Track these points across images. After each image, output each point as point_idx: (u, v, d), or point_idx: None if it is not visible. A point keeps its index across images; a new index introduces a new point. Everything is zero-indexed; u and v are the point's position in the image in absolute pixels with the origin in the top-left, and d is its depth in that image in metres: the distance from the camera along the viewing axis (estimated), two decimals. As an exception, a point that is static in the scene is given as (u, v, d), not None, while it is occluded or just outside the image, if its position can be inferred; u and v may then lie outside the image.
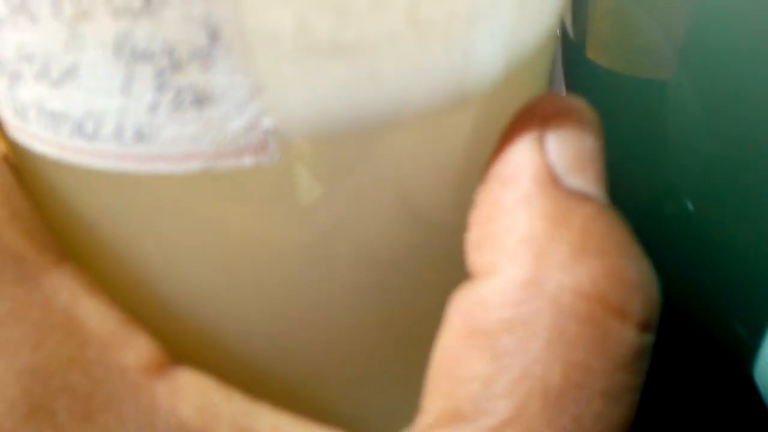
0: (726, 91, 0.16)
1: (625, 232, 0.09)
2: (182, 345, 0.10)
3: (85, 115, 0.09)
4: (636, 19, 0.18)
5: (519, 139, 0.09)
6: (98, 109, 0.08)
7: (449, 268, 0.10)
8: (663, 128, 0.18)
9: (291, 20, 0.08)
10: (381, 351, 0.12)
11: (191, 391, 0.09)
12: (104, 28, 0.08)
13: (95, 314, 0.09)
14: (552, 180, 0.09)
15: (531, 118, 0.10)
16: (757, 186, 0.16)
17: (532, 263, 0.09)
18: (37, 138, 0.09)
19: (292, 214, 0.10)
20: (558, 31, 0.22)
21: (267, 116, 0.08)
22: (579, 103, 0.10)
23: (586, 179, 0.09)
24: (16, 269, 0.09)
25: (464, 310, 0.09)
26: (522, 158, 0.09)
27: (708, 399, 0.23)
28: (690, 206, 0.18)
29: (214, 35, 0.08)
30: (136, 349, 0.09)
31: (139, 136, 0.09)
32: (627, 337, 0.09)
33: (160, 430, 0.08)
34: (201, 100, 0.08)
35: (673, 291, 0.21)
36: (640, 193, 0.21)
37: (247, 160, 0.09)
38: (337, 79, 0.08)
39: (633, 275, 0.09)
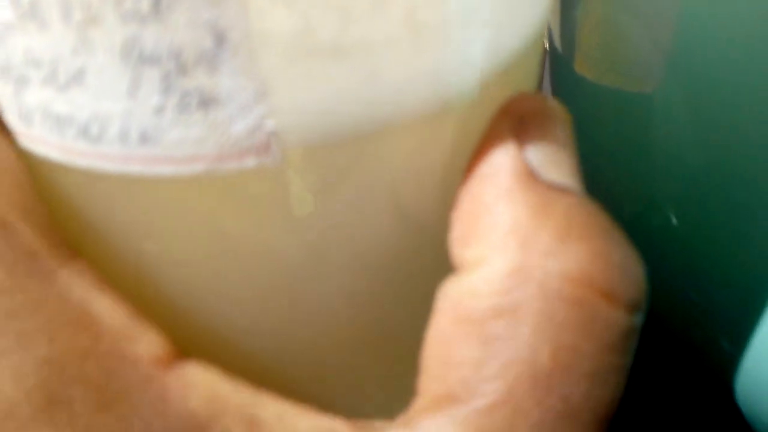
0: (711, 102, 0.16)
1: (607, 218, 0.10)
2: (182, 343, 0.10)
3: (91, 119, 0.09)
4: (624, 32, 0.19)
5: (497, 137, 0.10)
6: (104, 113, 0.09)
7: (441, 268, 0.11)
8: (648, 140, 0.19)
9: (295, 23, 0.08)
10: (377, 347, 0.12)
11: (200, 382, 0.09)
12: (113, 33, 0.08)
13: (107, 308, 0.09)
14: (530, 175, 0.10)
15: (507, 116, 0.10)
16: (743, 198, 0.16)
17: (518, 252, 0.09)
18: (42, 141, 0.09)
19: (290, 216, 0.10)
20: (546, 43, 0.23)
21: (270, 118, 0.09)
22: (552, 101, 0.10)
23: (562, 173, 0.10)
24: (30, 264, 0.09)
25: (454, 300, 0.09)
26: (500, 156, 0.10)
27: (690, 413, 0.24)
28: (674, 219, 0.19)
29: (220, 39, 0.08)
30: (146, 342, 0.09)
31: (144, 138, 0.09)
32: (615, 318, 0.09)
33: (171, 419, 0.09)
34: (206, 102, 0.08)
35: (658, 304, 0.21)
36: (626, 204, 0.21)
37: (250, 162, 0.09)
38: (338, 82, 0.09)
39: (618, 258, 0.09)
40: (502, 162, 0.10)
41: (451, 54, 0.09)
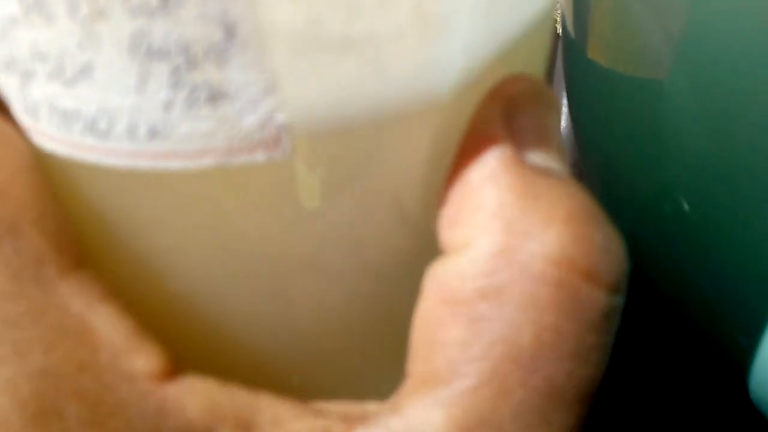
0: (719, 90, 0.16)
1: (590, 200, 0.10)
2: (187, 336, 0.10)
3: (99, 114, 0.09)
4: (634, 18, 0.18)
5: (486, 118, 0.10)
6: (112, 108, 0.09)
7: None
8: (659, 127, 0.19)
9: (304, 15, 0.08)
10: (379, 333, 0.12)
11: (197, 393, 0.09)
12: (120, 27, 0.08)
13: (108, 321, 0.09)
14: (517, 158, 0.10)
15: (498, 98, 0.10)
16: (750, 189, 0.16)
17: (503, 234, 0.09)
18: (48, 136, 0.09)
19: (299, 208, 0.10)
20: (559, 29, 0.22)
21: (280, 112, 0.09)
22: (539, 83, 0.11)
23: (548, 155, 0.10)
24: (36, 270, 0.09)
25: (441, 282, 0.10)
26: (489, 138, 0.10)
27: (705, 406, 0.24)
28: (686, 205, 0.19)
29: (230, 32, 0.08)
30: (145, 356, 0.09)
31: (153, 133, 0.09)
32: (596, 299, 0.09)
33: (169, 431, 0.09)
34: (216, 96, 0.08)
35: (671, 291, 0.21)
36: (640, 190, 0.21)
37: (260, 156, 0.09)
38: (347, 74, 0.09)
39: (600, 240, 0.09)
40: (490, 144, 0.10)
41: (458, 43, 0.09)
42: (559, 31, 0.23)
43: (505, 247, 0.09)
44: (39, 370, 0.08)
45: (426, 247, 0.11)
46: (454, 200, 0.10)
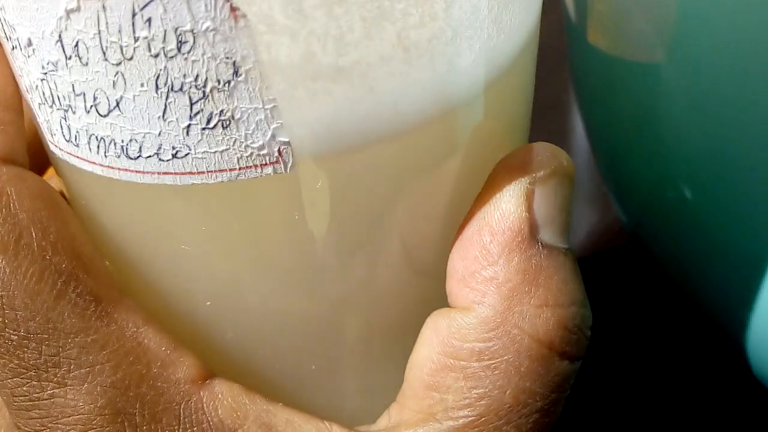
0: (709, 84, 0.17)
1: (578, 280, 0.13)
2: (195, 344, 0.12)
3: (130, 140, 0.11)
4: (628, 3, 0.19)
5: (506, 187, 0.12)
6: (140, 134, 0.11)
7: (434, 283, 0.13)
8: (657, 115, 0.20)
9: (299, 52, 0.10)
10: (384, 341, 0.14)
11: (225, 395, 0.12)
12: (145, 69, 0.10)
13: (153, 339, 0.12)
14: (531, 236, 0.12)
15: (517, 168, 0.13)
16: (742, 175, 0.18)
17: (503, 310, 0.12)
18: (87, 161, 0.11)
19: (303, 218, 0.12)
20: (565, 32, 0.24)
21: (282, 134, 0.10)
22: (560, 154, 0.13)
23: (557, 234, 0.13)
24: (95, 307, 0.12)
25: (443, 335, 0.13)
26: (508, 209, 0.12)
27: (707, 383, 0.25)
28: (688, 192, 0.20)
29: (236, 70, 0.10)
30: (185, 366, 0.12)
31: (176, 154, 0.11)
32: (564, 368, 0.12)
33: (206, 425, 0.12)
34: (227, 123, 0.10)
35: (678, 276, 0.22)
36: (644, 176, 0.22)
37: (267, 171, 0.11)
38: (340, 98, 0.10)
39: (577, 324, 0.13)
40: (508, 215, 0.12)
41: (441, 66, 0.11)
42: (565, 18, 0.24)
43: (503, 321, 0.12)
44: (110, 383, 0.12)
45: (425, 275, 0.13)
46: (470, 261, 0.12)
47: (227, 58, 0.10)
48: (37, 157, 0.14)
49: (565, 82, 0.30)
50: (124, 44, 0.10)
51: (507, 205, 0.12)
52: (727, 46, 0.17)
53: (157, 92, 0.10)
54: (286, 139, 0.10)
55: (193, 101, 0.10)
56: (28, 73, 0.11)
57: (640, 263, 0.28)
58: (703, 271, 0.21)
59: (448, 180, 0.13)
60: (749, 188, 0.18)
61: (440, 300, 0.13)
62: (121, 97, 0.10)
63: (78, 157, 0.11)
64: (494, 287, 0.12)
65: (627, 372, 0.26)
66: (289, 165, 0.11)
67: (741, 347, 0.20)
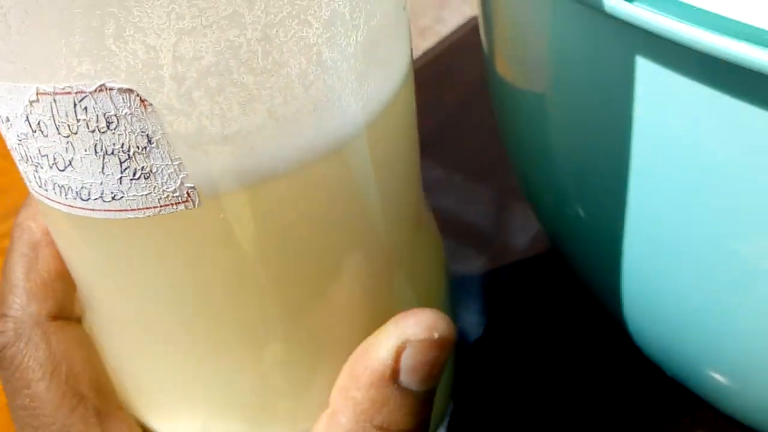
0: (582, 122, 0.21)
1: (422, 416, 0.17)
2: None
3: (81, 187, 0.15)
4: (519, 38, 0.22)
5: (389, 336, 0.17)
6: (88, 184, 0.15)
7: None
8: (548, 143, 0.23)
9: (193, 126, 0.14)
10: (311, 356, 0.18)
11: None
12: (87, 140, 0.14)
13: None
14: (391, 378, 0.17)
15: (402, 325, 0.17)
16: (611, 190, 0.21)
17: (353, 423, 0.17)
18: (54, 201, 0.16)
19: (215, 244, 0.16)
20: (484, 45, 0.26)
21: (188, 181, 0.14)
22: (439, 325, 0.17)
23: (414, 379, 0.17)
24: (100, 419, 0.17)
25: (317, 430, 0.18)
26: (380, 354, 0.17)
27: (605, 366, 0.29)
28: (581, 211, 0.23)
29: (150, 139, 0.14)
30: None
31: (114, 197, 0.15)
32: None
33: None
34: (148, 175, 0.14)
35: (588, 283, 0.26)
36: (545, 196, 0.26)
37: (180, 207, 0.15)
38: (228, 157, 0.14)
39: None
40: (378, 361, 0.17)
41: (309, 130, 0.15)
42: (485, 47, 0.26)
43: (350, 430, 0.17)
44: None
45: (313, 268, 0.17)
46: (348, 377, 0.17)
47: (142, 132, 0.14)
48: None
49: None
50: (70, 123, 0.14)
51: (381, 351, 0.17)
52: (588, 101, 0.20)
53: (96, 155, 0.14)
54: (192, 185, 0.15)
55: (122, 161, 0.14)
56: (9, 139, 0.15)
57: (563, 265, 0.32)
58: (598, 266, 0.25)
59: (333, 215, 0.17)
60: (618, 200, 0.21)
61: (353, 322, 0.18)
62: (72, 158, 0.14)
63: (48, 198, 0.16)
64: (352, 405, 0.17)
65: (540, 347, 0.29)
66: (197, 202, 0.15)
67: (624, 323, 0.23)
